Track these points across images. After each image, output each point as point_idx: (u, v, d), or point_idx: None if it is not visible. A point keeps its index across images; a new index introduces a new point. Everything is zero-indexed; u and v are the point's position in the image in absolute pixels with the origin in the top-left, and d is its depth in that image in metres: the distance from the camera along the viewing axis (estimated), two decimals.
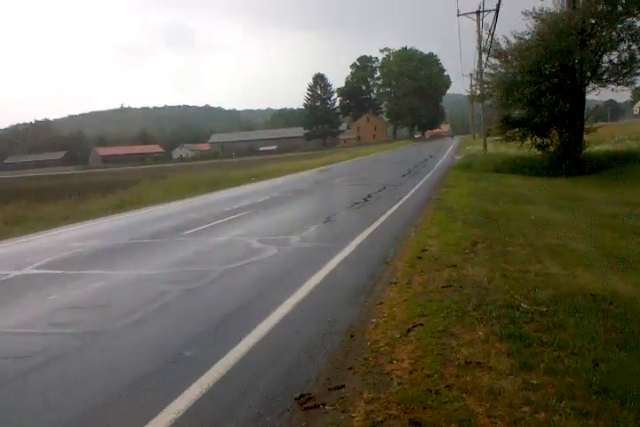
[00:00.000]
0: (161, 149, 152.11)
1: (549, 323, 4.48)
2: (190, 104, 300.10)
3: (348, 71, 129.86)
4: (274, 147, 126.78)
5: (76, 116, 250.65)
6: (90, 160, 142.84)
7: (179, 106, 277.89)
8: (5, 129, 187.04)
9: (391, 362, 4.03)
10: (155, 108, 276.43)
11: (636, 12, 20.89)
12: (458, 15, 34.97)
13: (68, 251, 10.34)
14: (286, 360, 4.33)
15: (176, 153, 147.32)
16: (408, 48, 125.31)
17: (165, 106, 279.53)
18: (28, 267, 8.97)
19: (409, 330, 4.59)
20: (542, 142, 22.06)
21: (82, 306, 6.49)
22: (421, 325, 4.67)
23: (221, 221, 13.04)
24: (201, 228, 12.06)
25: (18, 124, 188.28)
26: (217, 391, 3.83)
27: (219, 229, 11.90)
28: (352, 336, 4.68)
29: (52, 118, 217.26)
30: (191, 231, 11.64)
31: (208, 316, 5.70)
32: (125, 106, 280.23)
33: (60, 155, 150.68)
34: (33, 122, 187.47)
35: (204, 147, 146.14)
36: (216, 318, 5.55)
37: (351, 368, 4.01)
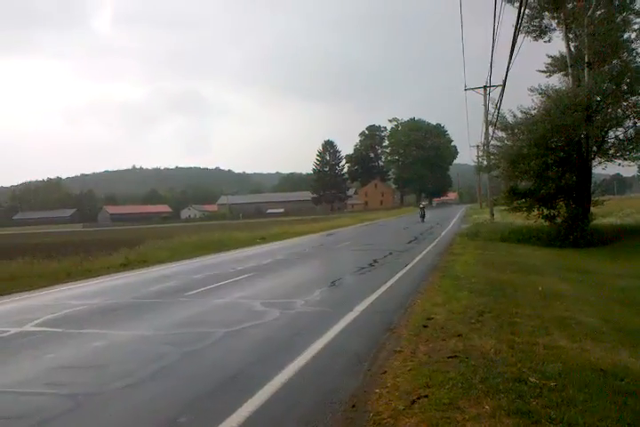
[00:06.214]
0: (169, 209, 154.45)
1: (558, 398, 4.32)
2: (201, 166, 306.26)
3: (357, 139, 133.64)
4: (281, 210, 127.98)
5: (88, 175, 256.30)
6: (99, 218, 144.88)
7: (189, 167, 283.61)
8: (17, 186, 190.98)
9: None
10: (166, 169, 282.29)
11: None
12: (465, 89, 36.23)
13: (69, 309, 10.23)
14: None
15: (184, 213, 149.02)
16: (416, 119, 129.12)
17: (177, 167, 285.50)
18: (28, 324, 8.85)
19: (413, 402, 4.43)
20: (549, 213, 22.21)
21: (79, 366, 6.37)
22: (426, 396, 4.51)
23: (225, 282, 12.96)
24: (204, 289, 11.97)
25: (30, 182, 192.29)
26: None
27: (222, 290, 11.80)
28: (354, 406, 4.52)
29: (64, 177, 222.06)
30: (194, 292, 11.54)
31: (206, 380, 5.53)
32: (137, 166, 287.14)
33: (69, 212, 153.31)
34: (45, 179, 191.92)
35: (213, 208, 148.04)
36: (214, 383, 5.39)
37: None
